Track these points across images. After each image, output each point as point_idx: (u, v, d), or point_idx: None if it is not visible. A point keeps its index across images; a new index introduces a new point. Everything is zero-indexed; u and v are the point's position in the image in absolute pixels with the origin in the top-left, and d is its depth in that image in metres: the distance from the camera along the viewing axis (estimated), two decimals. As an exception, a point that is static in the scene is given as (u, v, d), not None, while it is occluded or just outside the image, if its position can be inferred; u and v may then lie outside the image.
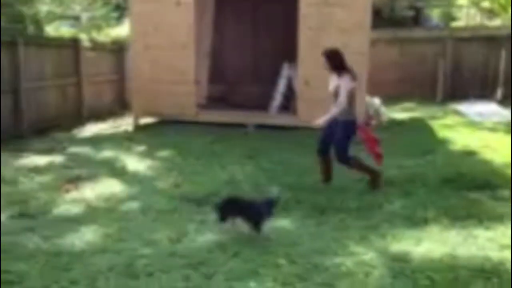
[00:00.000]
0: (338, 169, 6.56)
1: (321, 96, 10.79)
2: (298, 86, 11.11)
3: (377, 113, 11.49)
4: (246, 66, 14.05)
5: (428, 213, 5.51)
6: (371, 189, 6.40)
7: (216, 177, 7.05)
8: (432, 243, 4.69)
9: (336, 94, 6.27)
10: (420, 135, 10.44)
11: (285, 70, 11.93)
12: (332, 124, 6.31)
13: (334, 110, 6.27)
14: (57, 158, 8.17)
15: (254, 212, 4.78)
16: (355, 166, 6.46)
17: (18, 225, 5.11)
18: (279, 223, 5.23)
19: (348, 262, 4.29)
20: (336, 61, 6.28)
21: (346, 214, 5.53)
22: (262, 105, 12.14)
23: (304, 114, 10.84)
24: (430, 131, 10.86)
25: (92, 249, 4.55)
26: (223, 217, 4.95)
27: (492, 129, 10.89)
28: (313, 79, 10.59)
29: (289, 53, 11.55)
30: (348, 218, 5.42)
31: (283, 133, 10.45)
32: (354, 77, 6.26)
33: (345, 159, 6.37)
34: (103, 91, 13.55)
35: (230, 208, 4.95)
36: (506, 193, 6.20)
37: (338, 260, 4.33)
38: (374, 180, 6.45)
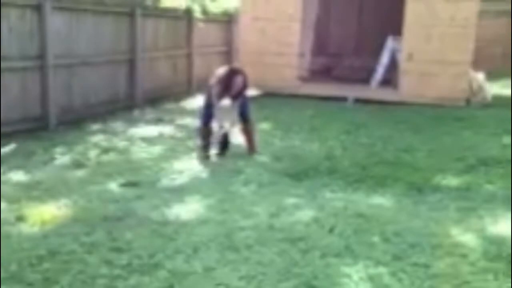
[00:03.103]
0: (442, 148, 6.42)
1: (424, 71, 10.59)
2: (402, 59, 10.88)
3: (481, 89, 11.00)
4: (349, 39, 13.94)
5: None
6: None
7: (315, 152, 7.16)
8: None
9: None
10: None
11: (390, 43, 11.71)
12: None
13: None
14: (166, 129, 8.60)
15: None
16: (250, 128, 6.99)
17: (128, 193, 5.42)
18: (375, 200, 5.29)
19: (445, 243, 4.27)
20: (227, 81, 6.57)
21: (444, 194, 5.48)
22: (364, 79, 12.03)
23: (406, 89, 10.65)
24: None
25: (195, 219, 4.76)
26: None
27: None
28: (417, 52, 10.34)
29: (394, 26, 11.31)
30: (446, 198, 5.37)
31: (384, 108, 10.32)
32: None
33: (249, 116, 6.93)
34: (212, 63, 13.82)
35: None
36: None
37: (434, 240, 4.32)
38: (250, 149, 6.99)
